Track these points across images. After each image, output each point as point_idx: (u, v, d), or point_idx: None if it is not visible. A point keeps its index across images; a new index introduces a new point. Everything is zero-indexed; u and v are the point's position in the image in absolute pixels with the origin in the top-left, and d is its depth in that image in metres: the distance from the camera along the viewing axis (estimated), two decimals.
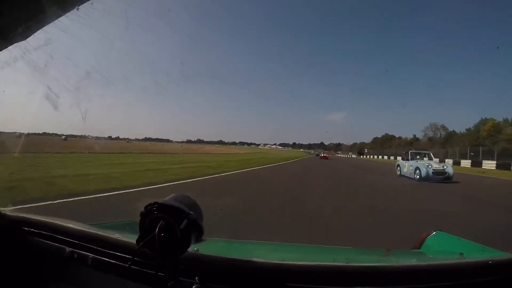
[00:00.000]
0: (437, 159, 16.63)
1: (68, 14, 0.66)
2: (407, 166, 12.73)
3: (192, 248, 0.63)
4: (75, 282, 0.87)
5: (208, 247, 0.75)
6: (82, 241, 0.82)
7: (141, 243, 0.57)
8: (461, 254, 0.74)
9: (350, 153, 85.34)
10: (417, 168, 11.63)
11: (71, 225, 0.88)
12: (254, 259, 0.66)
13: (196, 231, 0.58)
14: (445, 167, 11.60)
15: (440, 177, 11.03)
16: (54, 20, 0.68)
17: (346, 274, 0.63)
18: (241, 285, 0.67)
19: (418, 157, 13.30)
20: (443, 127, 53.33)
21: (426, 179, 10.87)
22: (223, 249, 1.05)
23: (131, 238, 0.67)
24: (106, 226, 1.05)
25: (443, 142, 45.39)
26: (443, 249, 1.02)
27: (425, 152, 14.61)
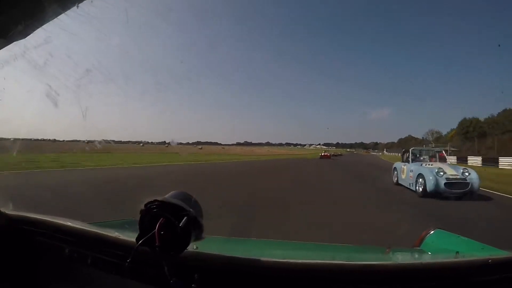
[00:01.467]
0: (454, 160, 10.69)
1: (67, 12, 0.66)
2: (406, 171, 8.26)
3: (192, 246, 0.63)
4: (75, 281, 0.87)
5: (208, 245, 0.75)
6: (82, 240, 0.82)
7: (140, 241, 0.57)
8: (461, 252, 0.74)
9: (384, 151, 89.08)
10: (420, 175, 7.13)
11: (70, 224, 0.88)
12: (254, 257, 0.66)
13: (196, 228, 0.58)
14: (467, 173, 6.87)
15: (459, 191, 6.55)
16: (53, 18, 0.68)
17: (346, 272, 0.63)
18: (241, 283, 0.67)
19: (423, 157, 9.10)
20: (437, 132, 61.78)
21: (434, 193, 6.60)
22: (223, 247, 1.05)
23: (131, 237, 0.68)
24: (106, 225, 1.05)
25: (434, 142, 53.64)
26: (442, 247, 1.02)
27: (435, 149, 9.92)
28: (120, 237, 0.76)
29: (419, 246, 1.06)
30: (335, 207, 5.90)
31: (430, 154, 9.25)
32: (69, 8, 0.65)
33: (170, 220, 0.56)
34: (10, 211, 0.96)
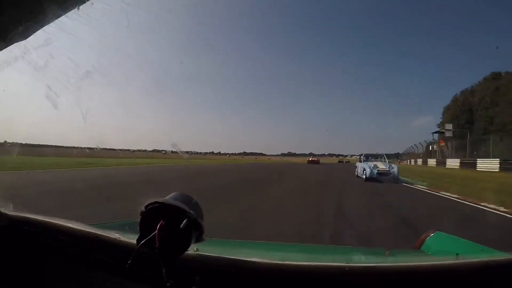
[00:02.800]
0: (392, 161, 17.53)
1: (68, 14, 0.66)
2: (359, 167, 14.02)
3: (193, 248, 0.63)
4: (76, 282, 0.87)
5: (208, 247, 0.74)
6: (82, 241, 0.82)
7: (141, 243, 0.57)
8: (461, 254, 0.74)
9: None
10: (364, 169, 12.67)
11: (71, 225, 0.88)
12: (254, 259, 0.66)
13: (196, 230, 0.58)
14: (392, 168, 12.43)
15: (385, 177, 11.87)
16: (54, 20, 0.68)
17: (346, 274, 0.63)
18: (241, 285, 0.67)
19: (371, 158, 14.59)
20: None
21: (371, 178, 11.89)
22: (223, 249, 1.04)
23: (131, 238, 0.67)
24: (106, 226, 1.05)
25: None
26: (442, 249, 1.02)
27: (379, 154, 16.26)
28: (120, 239, 0.76)
29: (419, 248, 1.06)
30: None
31: (378, 157, 14.88)
32: (69, 10, 0.65)
33: (171, 222, 0.56)
34: (10, 211, 0.96)
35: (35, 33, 0.72)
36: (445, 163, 27.32)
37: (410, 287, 0.62)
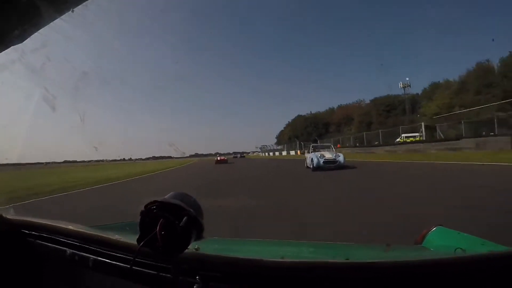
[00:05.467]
0: (340, 150, 18.52)
1: (63, 17, 0.66)
2: (308, 158, 14.51)
3: (193, 246, 0.64)
4: (77, 285, 0.87)
5: (209, 246, 0.75)
6: (83, 243, 0.83)
7: (143, 242, 0.57)
8: (462, 248, 0.74)
9: None
10: (312, 159, 13.21)
11: (71, 227, 0.88)
12: (254, 258, 0.66)
13: (196, 228, 0.58)
14: (338, 156, 13.02)
15: (332, 165, 12.45)
16: (49, 23, 0.68)
17: (346, 271, 0.63)
18: (242, 284, 0.67)
19: (319, 149, 15.03)
20: None
21: (318, 168, 12.42)
22: (224, 248, 1.05)
23: (131, 239, 0.68)
24: (106, 228, 1.06)
25: None
26: (444, 244, 1.02)
27: (327, 144, 17.02)
28: (121, 240, 0.77)
29: (420, 244, 1.06)
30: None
31: (325, 147, 15.80)
32: (64, 12, 0.66)
33: (171, 220, 0.56)
34: (11, 216, 0.97)
35: (32, 36, 0.72)
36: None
37: (411, 282, 0.62)
